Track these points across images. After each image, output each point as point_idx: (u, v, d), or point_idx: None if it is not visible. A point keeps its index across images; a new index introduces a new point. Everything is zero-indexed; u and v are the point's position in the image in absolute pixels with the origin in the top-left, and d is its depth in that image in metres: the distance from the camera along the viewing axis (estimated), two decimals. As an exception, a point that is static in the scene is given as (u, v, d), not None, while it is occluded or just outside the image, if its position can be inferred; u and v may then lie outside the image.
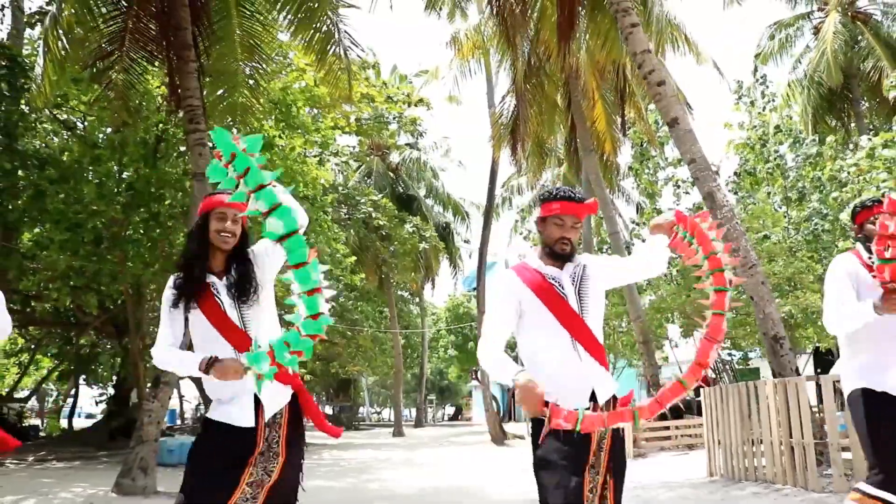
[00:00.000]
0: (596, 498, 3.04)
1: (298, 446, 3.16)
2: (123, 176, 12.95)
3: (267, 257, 3.19)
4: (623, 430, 3.13)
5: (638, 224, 22.57)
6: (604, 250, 22.64)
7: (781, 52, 25.22)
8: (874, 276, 3.49)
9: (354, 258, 19.83)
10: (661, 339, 20.04)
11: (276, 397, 3.09)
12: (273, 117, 13.26)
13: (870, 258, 3.57)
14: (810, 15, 24.68)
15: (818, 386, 7.84)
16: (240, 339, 3.06)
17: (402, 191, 29.86)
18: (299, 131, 13.68)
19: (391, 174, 30.18)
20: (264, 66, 12.17)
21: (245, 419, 3.04)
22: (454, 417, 61.30)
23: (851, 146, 19.19)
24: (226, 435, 3.05)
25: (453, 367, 47.91)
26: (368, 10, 15.32)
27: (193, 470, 3.03)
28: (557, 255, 3.19)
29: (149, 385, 9.94)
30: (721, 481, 8.59)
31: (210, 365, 2.93)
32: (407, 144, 30.81)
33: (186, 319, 3.14)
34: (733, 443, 8.64)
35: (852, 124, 23.98)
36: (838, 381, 7.38)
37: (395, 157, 29.97)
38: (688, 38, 15.56)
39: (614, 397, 3.14)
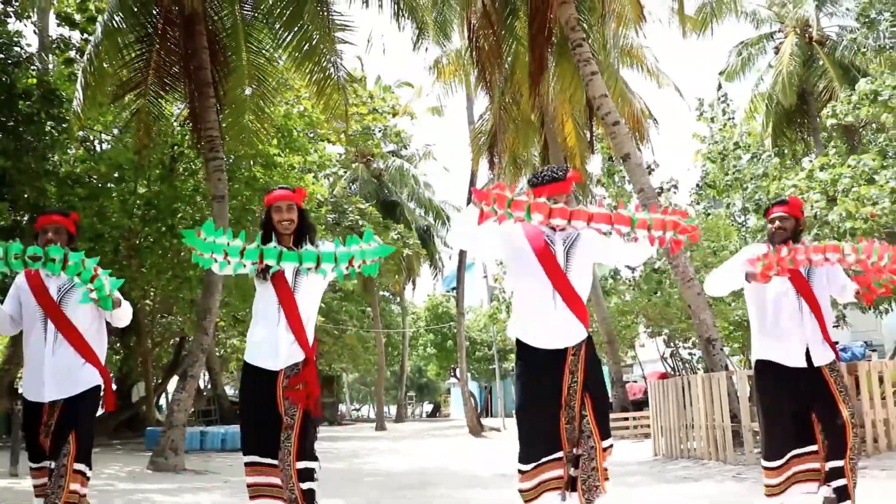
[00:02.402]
0: (576, 424, 3.56)
1: (314, 400, 3.94)
2: (140, 191, 14.40)
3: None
4: (593, 350, 3.73)
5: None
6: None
7: (745, 69, 26.90)
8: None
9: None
10: (631, 338, 21.62)
11: (293, 352, 3.94)
12: (276, 140, 14.78)
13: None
14: (773, 35, 26.36)
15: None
16: (288, 298, 3.92)
17: (385, 196, 31.31)
18: (299, 153, 15.23)
19: (375, 180, 31.64)
20: (269, 94, 13.60)
21: (272, 364, 3.92)
22: (433, 414, 62.69)
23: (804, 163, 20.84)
24: (259, 378, 3.93)
25: (432, 365, 49.26)
26: (365, 51, 16.78)
27: (247, 418, 4.01)
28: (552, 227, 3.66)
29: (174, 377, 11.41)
30: (662, 459, 10.26)
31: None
32: (390, 152, 32.25)
33: (261, 278, 3.97)
34: (672, 427, 10.31)
35: (810, 138, 25.70)
36: (752, 375, 9.06)
37: (379, 164, 31.42)
38: (649, 67, 17.29)
39: (588, 340, 3.69)
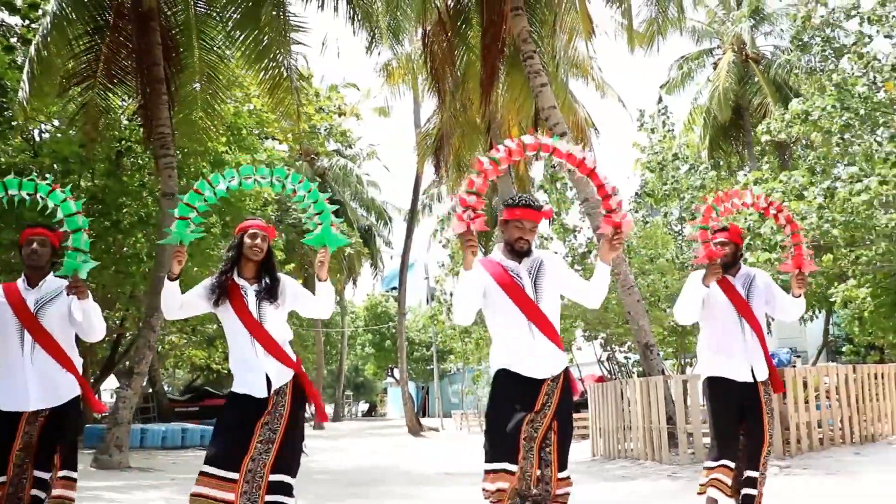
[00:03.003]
0: (536, 442, 3.62)
1: (298, 415, 3.97)
2: (84, 185, 14.18)
3: (291, 292, 4.17)
4: (570, 382, 3.77)
5: (548, 239, 24.54)
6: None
7: (685, 82, 27.73)
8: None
9: (284, 259, 21.35)
10: (568, 341, 22.14)
11: (281, 374, 3.93)
12: (225, 138, 14.75)
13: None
14: (712, 51, 27.22)
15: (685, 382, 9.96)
16: (257, 329, 3.95)
17: (328, 195, 31.25)
18: (248, 152, 15.22)
19: (318, 179, 31.60)
20: (220, 92, 13.57)
21: (260, 391, 3.90)
22: (368, 413, 62.71)
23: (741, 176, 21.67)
24: (244, 403, 3.90)
25: (370, 365, 49.36)
26: (319, 54, 16.87)
27: (219, 431, 3.95)
28: (516, 251, 3.77)
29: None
30: (600, 459, 10.67)
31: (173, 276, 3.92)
32: (334, 151, 32.25)
33: (216, 304, 4.01)
34: (610, 429, 10.72)
35: (745, 152, 26.64)
36: (687, 380, 9.53)
37: (323, 163, 31.38)
38: (594, 78, 17.80)
39: (565, 372, 3.74)
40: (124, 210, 14.07)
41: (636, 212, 23.69)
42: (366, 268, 37.60)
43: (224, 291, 4.03)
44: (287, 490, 3.89)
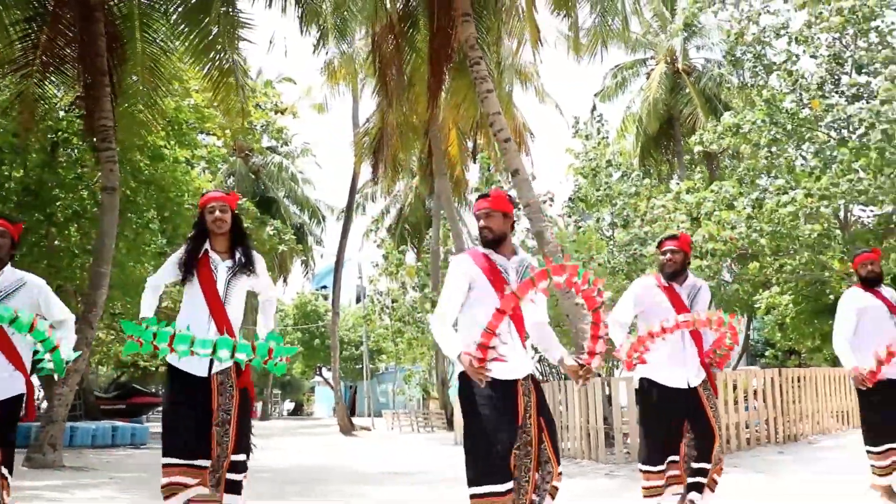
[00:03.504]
0: (533, 447, 3.51)
1: (246, 392, 4.06)
2: (16, 176, 13.78)
3: (259, 283, 4.27)
4: (542, 393, 3.68)
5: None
6: (448, 260, 25.01)
7: (619, 91, 28.40)
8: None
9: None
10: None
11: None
12: (165, 132, 14.51)
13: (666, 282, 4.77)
14: (645, 61, 27.94)
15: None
16: (218, 309, 3.97)
17: (262, 192, 30.94)
18: (188, 147, 15.01)
19: (252, 175, 31.24)
20: (162, 86, 13.35)
21: (201, 370, 3.95)
22: (295, 412, 62.13)
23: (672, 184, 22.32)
24: (187, 382, 3.95)
25: (298, 363, 48.95)
26: (266, 52, 16.75)
27: (172, 420, 3.96)
28: (489, 242, 3.65)
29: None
30: (538, 459, 10.92)
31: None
32: (269, 148, 31.92)
33: (183, 281, 4.07)
34: (548, 429, 11.00)
35: (675, 160, 27.45)
36: (624, 382, 9.85)
37: (257, 160, 31.02)
38: (535, 85, 18.19)
39: (532, 375, 3.66)
40: (58, 203, 13.71)
41: (569, 216, 24.23)
42: (297, 266, 37.30)
43: (192, 265, 4.03)
44: (243, 468, 4.01)
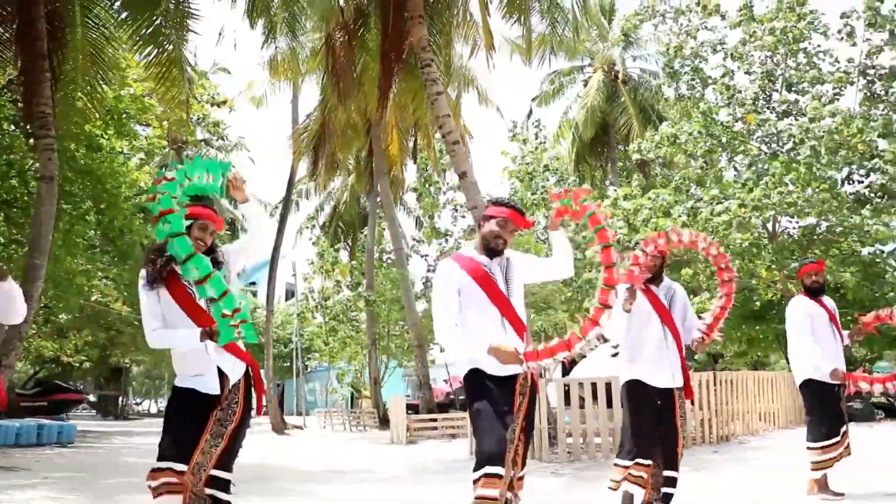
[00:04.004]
0: (512, 447, 3.61)
1: (249, 415, 3.90)
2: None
3: (234, 256, 4.01)
4: (537, 392, 3.86)
5: (419, 241, 24.87)
6: (385, 261, 25.01)
7: (556, 96, 28.87)
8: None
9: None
10: (432, 343, 22.60)
11: (235, 369, 3.82)
12: (102, 122, 14.13)
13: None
14: (583, 69, 28.47)
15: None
16: (202, 318, 3.70)
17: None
18: (126, 137, 14.64)
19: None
20: (102, 73, 13.00)
21: (213, 388, 3.77)
22: (217, 410, 60.88)
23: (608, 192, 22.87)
24: (194, 399, 3.76)
25: (223, 360, 48.07)
26: (215, 45, 16.46)
27: (172, 428, 3.77)
28: (491, 249, 3.78)
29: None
30: (479, 458, 11.06)
31: (208, 336, 3.62)
32: (203, 141, 31.32)
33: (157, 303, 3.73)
34: (491, 428, 11.14)
35: (608, 167, 28.06)
36: (567, 384, 10.10)
37: (190, 153, 30.39)
38: (478, 88, 18.39)
39: (532, 375, 3.76)
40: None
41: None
42: (226, 262, 36.63)
43: (160, 276, 3.73)
44: (226, 486, 3.83)
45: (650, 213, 14.53)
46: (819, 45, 15.31)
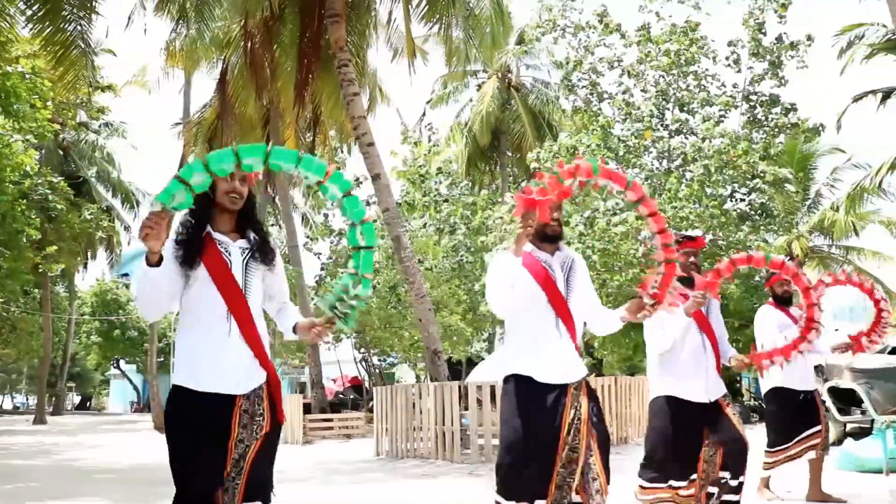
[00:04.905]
0: (579, 462, 3.27)
1: (278, 433, 3.05)
2: None
3: (276, 264, 3.15)
4: (592, 389, 3.48)
5: (311, 239, 24.56)
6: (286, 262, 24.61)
7: (449, 99, 29.13)
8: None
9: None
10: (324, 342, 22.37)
11: (252, 373, 2.97)
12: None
13: None
14: (476, 73, 28.84)
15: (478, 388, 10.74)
16: (238, 302, 2.93)
17: (71, 171, 28.84)
18: (13, 117, 13.82)
19: (61, 152, 29.12)
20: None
21: (223, 385, 2.88)
22: (82, 406, 58.00)
23: (502, 199, 23.33)
24: (202, 405, 2.86)
25: (93, 355, 45.95)
26: (124, 29, 15.74)
27: (184, 458, 2.84)
28: (548, 235, 3.47)
29: None
30: (387, 458, 11.18)
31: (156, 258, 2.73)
32: (81, 124, 29.86)
33: (187, 277, 2.91)
34: (399, 429, 11.27)
35: (497, 171, 28.57)
36: (480, 386, 10.35)
37: (68, 136, 28.92)
38: (381, 88, 18.46)
39: (586, 382, 3.43)
40: None
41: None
42: (100, 251, 35.07)
43: (196, 248, 2.91)
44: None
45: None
46: (707, 70, 16.35)
